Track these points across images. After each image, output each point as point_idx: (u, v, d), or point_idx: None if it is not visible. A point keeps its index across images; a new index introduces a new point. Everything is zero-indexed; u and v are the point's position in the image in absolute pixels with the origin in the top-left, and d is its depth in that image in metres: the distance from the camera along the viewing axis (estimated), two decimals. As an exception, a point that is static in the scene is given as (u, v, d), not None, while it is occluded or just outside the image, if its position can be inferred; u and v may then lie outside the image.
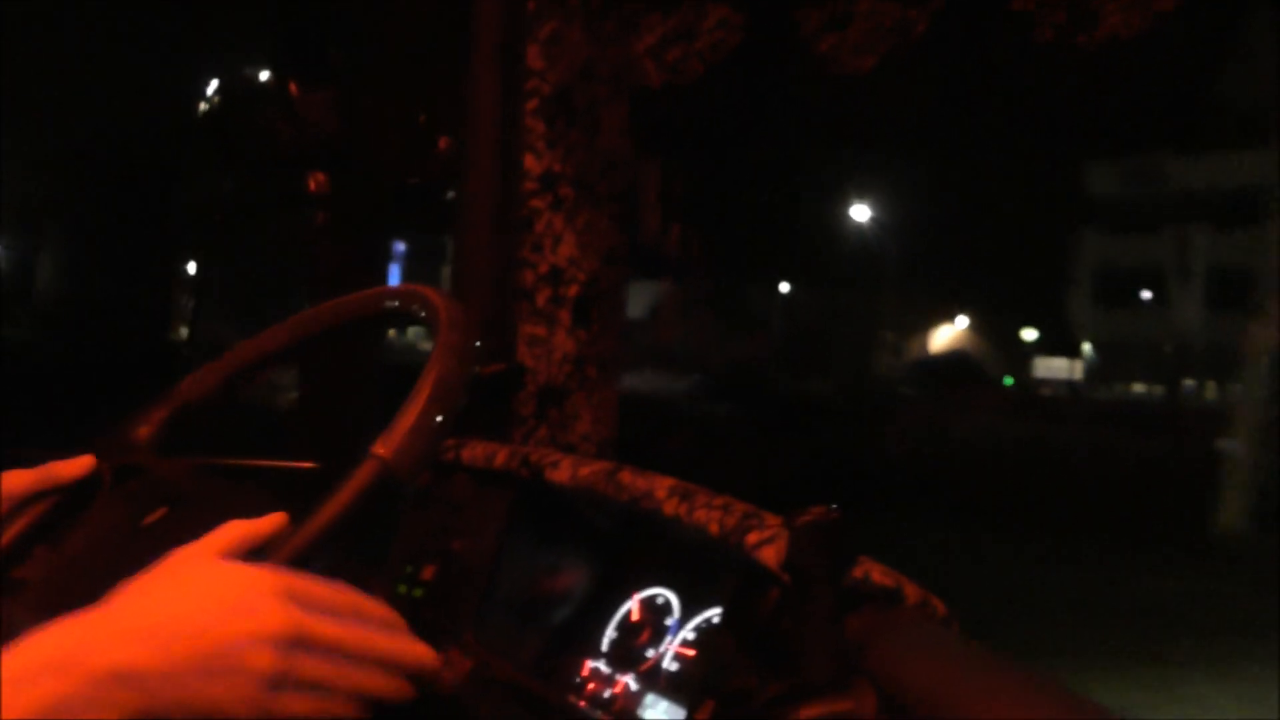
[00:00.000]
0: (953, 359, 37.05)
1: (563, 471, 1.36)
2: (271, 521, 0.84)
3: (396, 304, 1.06)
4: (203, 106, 2.39)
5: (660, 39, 1.93)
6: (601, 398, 1.89)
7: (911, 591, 0.98)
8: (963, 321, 43.88)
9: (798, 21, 1.78)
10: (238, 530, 0.82)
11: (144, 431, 1.11)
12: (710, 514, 1.12)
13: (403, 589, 1.42)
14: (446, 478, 1.50)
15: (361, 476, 0.83)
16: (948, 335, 44.16)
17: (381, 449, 0.84)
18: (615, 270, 1.91)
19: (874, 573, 0.96)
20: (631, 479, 1.27)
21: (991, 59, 1.48)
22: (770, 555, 0.99)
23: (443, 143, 1.99)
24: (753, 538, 1.03)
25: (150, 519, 0.97)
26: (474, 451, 1.49)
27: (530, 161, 1.80)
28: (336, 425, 2.08)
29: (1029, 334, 43.26)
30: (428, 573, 1.41)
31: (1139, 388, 41.90)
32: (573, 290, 1.83)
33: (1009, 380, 39.08)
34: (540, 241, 1.81)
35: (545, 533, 1.45)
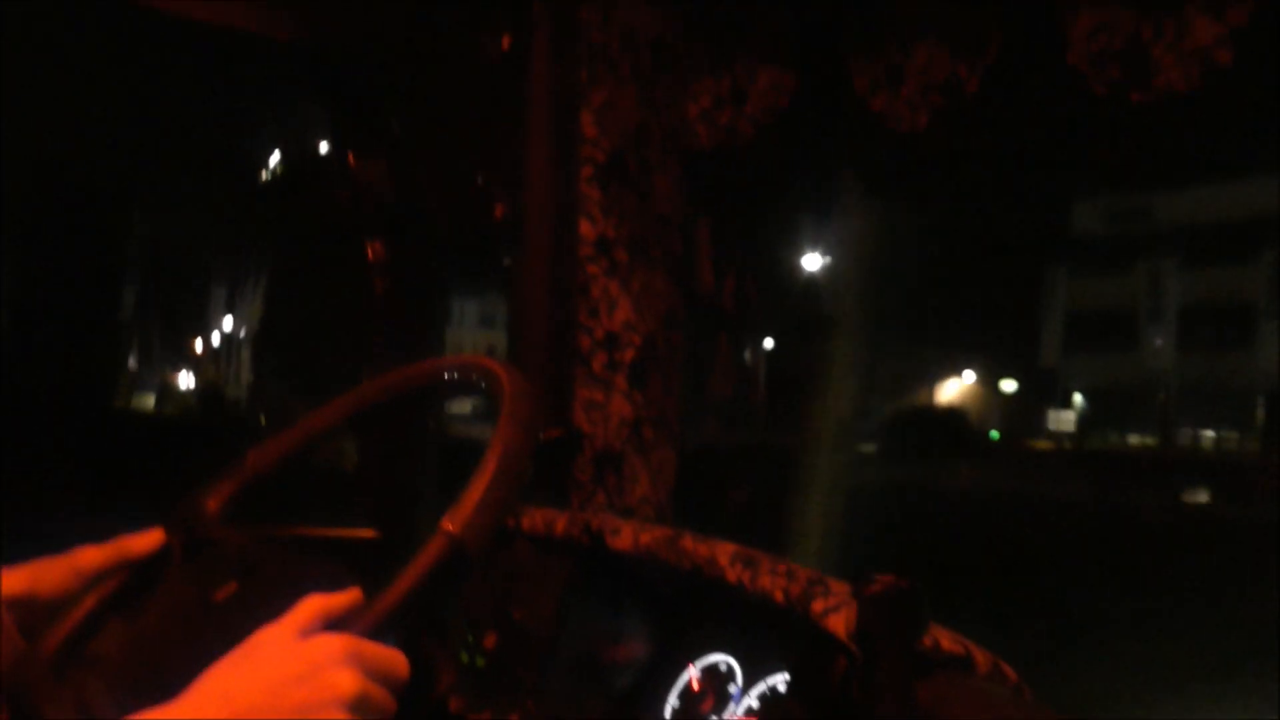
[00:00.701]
0: (929, 414, 35.65)
1: (624, 538, 1.36)
2: (347, 597, 0.85)
3: (458, 375, 1.06)
4: (264, 176, 2.44)
5: (711, 103, 1.94)
6: (660, 459, 1.89)
7: (981, 658, 0.96)
8: (970, 376, 42.84)
9: (850, 80, 1.79)
10: (315, 607, 0.85)
11: (212, 504, 1.12)
12: (775, 580, 1.11)
13: (465, 657, 1.42)
14: (507, 545, 1.50)
15: (432, 552, 0.84)
16: (954, 389, 43.22)
17: (451, 524, 0.84)
18: (671, 332, 1.91)
19: (943, 640, 0.95)
20: (693, 545, 1.26)
21: (1044, 114, 1.47)
22: (838, 624, 0.97)
23: (499, 210, 2.01)
24: (818, 605, 1.02)
25: (222, 594, 0.98)
26: (534, 519, 1.49)
27: (585, 227, 1.82)
28: (394, 492, 2.09)
29: (1008, 385, 41.27)
30: (490, 641, 1.41)
31: (1134, 439, 39.27)
32: (629, 354, 1.83)
33: (995, 435, 37.12)
34: (596, 306, 1.82)
35: (606, 600, 1.44)
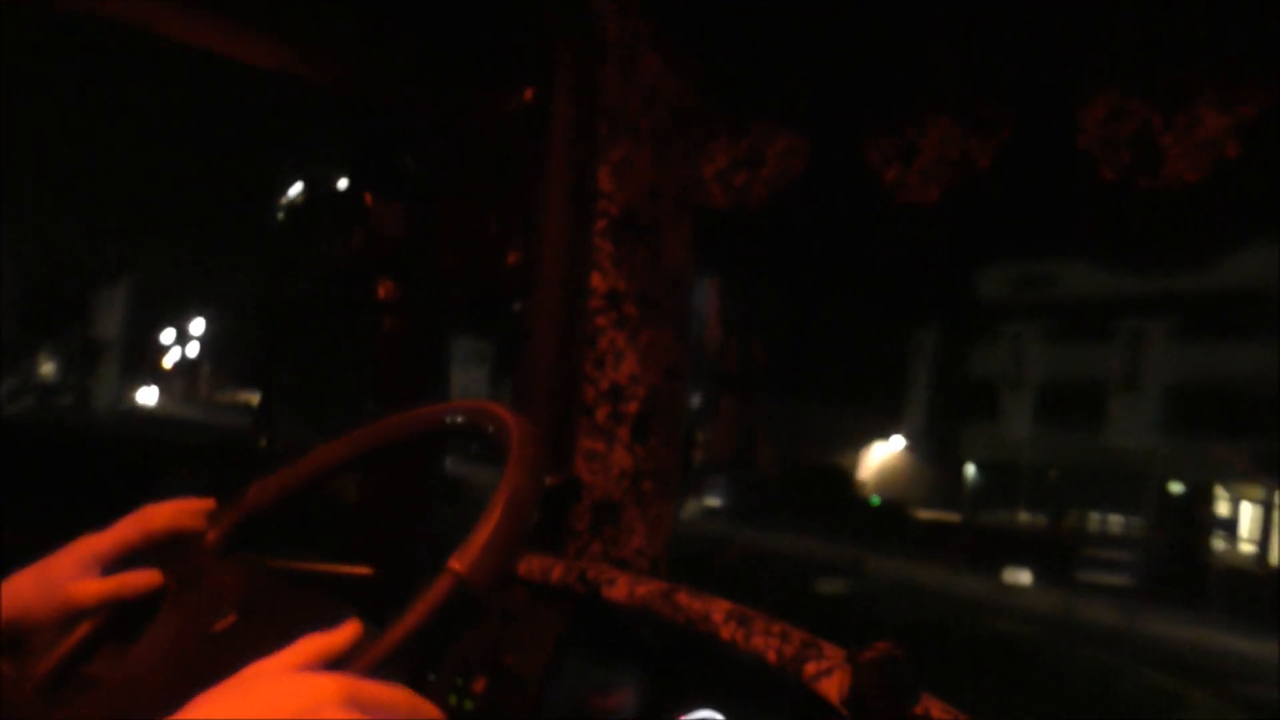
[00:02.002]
0: (808, 474, 34.87)
1: (620, 589, 1.37)
2: (347, 634, 0.85)
3: (463, 420, 1.08)
4: (281, 210, 2.47)
5: (727, 164, 1.98)
6: (657, 512, 1.90)
7: None
8: (899, 441, 41.97)
9: (864, 151, 1.82)
10: (315, 645, 0.83)
11: (211, 536, 1.13)
12: (768, 641, 1.12)
13: (453, 700, 1.42)
14: (502, 590, 1.51)
15: (439, 591, 0.84)
16: (882, 454, 42.50)
17: (458, 564, 0.85)
18: (675, 386, 1.93)
19: (933, 709, 0.95)
20: (689, 600, 1.27)
21: (1050, 194, 1.50)
22: (830, 688, 0.98)
23: (512, 257, 2.04)
24: (811, 668, 1.03)
25: (220, 625, 0.98)
26: (530, 565, 1.50)
27: (596, 279, 1.84)
28: (393, 530, 2.09)
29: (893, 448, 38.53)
30: (479, 685, 1.41)
31: (1024, 516, 37.04)
32: (633, 407, 1.85)
33: (875, 500, 36.18)
34: (603, 358, 1.84)
35: (598, 649, 1.45)
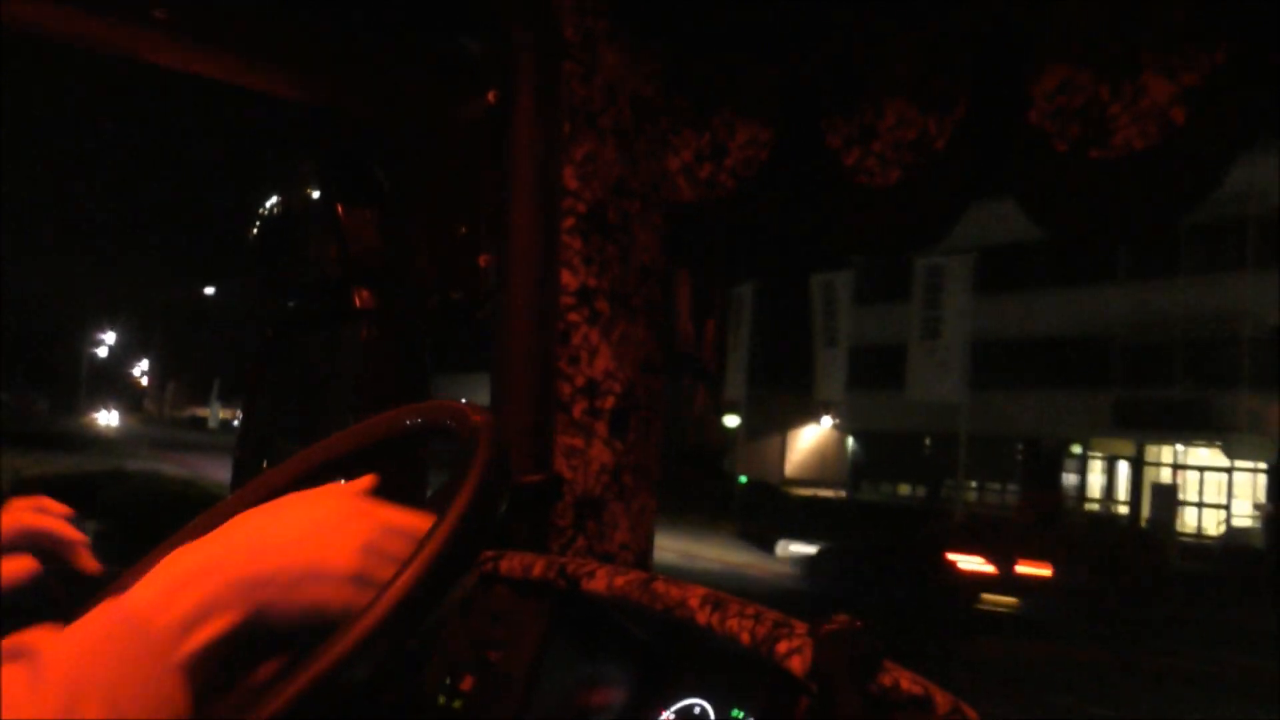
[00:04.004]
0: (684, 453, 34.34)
1: (599, 581, 1.38)
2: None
3: (423, 420, 1.09)
4: (253, 226, 2.48)
5: (692, 157, 1.99)
6: (640, 506, 1.91)
7: (941, 700, 0.98)
8: (828, 421, 41.18)
9: (825, 136, 1.84)
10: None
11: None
12: (742, 623, 1.14)
13: (442, 700, 1.43)
14: (485, 589, 1.53)
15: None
16: (813, 435, 41.68)
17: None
18: (652, 379, 1.95)
19: (903, 680, 0.97)
20: (665, 588, 1.28)
21: (1008, 170, 1.52)
22: (798, 664, 1.00)
23: (483, 259, 2.05)
24: (782, 647, 1.05)
25: None
26: (512, 563, 1.51)
27: (567, 277, 1.86)
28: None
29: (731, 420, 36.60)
30: (466, 684, 1.42)
31: (904, 489, 36.39)
32: (609, 402, 1.86)
33: (743, 479, 34.53)
34: (577, 354, 1.85)
35: (583, 643, 1.46)
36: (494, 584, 1.52)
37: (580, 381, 1.85)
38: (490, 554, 1.54)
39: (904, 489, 36.62)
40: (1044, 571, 17.98)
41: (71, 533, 1.15)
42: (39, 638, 0.73)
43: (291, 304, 2.46)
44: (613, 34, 1.93)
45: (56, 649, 0.71)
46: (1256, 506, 28.67)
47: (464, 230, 2.12)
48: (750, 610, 1.15)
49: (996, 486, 33.85)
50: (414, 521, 0.92)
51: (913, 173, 1.65)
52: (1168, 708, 11.42)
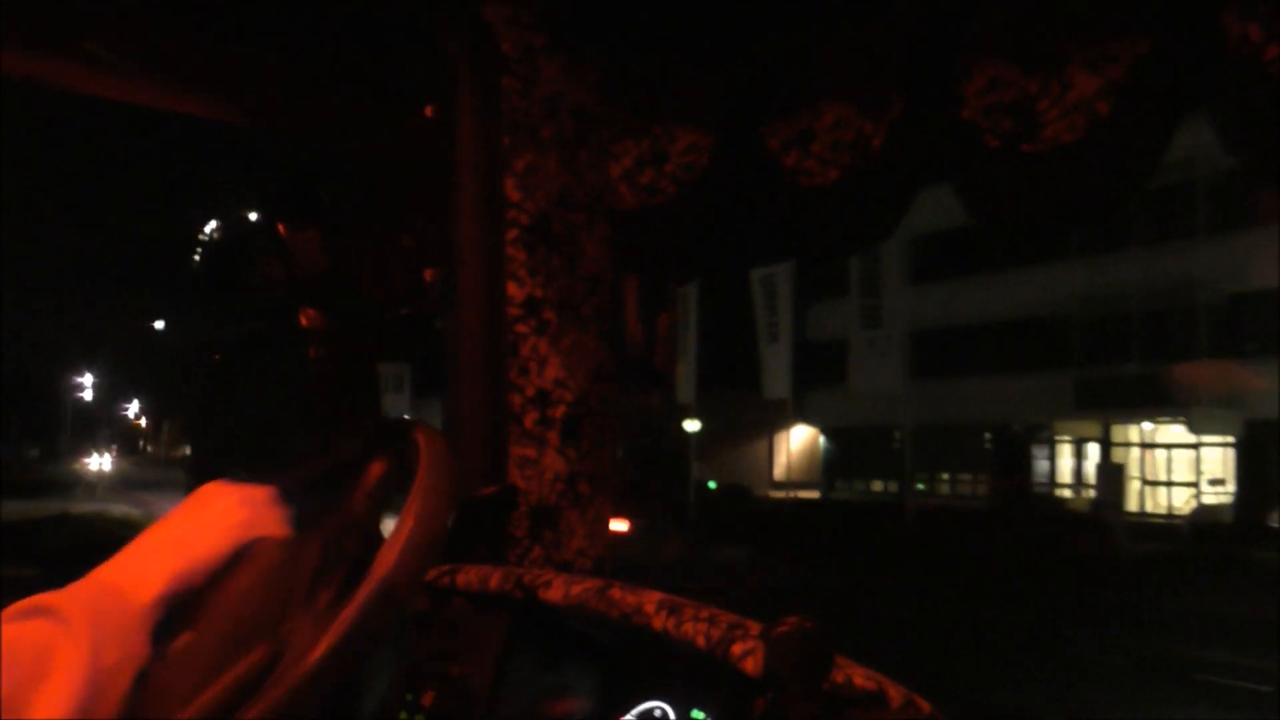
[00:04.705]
0: (651, 456, 33.71)
1: (555, 591, 1.39)
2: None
3: (380, 436, 1.09)
4: (197, 252, 2.46)
5: (634, 164, 2.01)
6: (596, 513, 1.92)
7: (895, 694, 1.00)
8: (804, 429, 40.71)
9: (764, 140, 1.86)
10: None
11: None
12: (697, 626, 1.15)
13: (403, 715, 1.43)
14: (444, 603, 1.53)
15: (363, 599, 0.88)
16: (801, 436, 41.38)
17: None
18: (603, 387, 1.95)
19: (856, 676, 0.98)
20: (621, 595, 1.29)
21: (944, 166, 1.54)
22: (752, 666, 1.01)
23: (429, 274, 2.05)
24: (737, 649, 1.06)
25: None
26: (469, 576, 1.51)
27: (513, 288, 1.86)
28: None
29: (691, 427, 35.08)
30: (427, 699, 1.42)
31: (878, 486, 35.54)
32: (560, 410, 1.87)
33: (712, 485, 34.67)
34: (526, 365, 1.86)
35: (543, 652, 1.46)
36: (452, 597, 1.52)
37: (531, 392, 1.85)
38: (447, 568, 1.53)
39: (877, 485, 36.16)
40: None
41: None
42: (51, 598, 0.85)
43: (238, 328, 2.44)
44: (550, 47, 1.93)
45: (71, 607, 0.85)
46: (1212, 482, 28.20)
47: (409, 245, 2.12)
48: (705, 613, 1.16)
49: (967, 477, 33.43)
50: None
51: (851, 172, 1.67)
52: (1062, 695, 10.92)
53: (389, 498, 1.08)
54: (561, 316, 1.89)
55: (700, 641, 1.12)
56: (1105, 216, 1.45)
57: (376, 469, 1.17)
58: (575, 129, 1.97)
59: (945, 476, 34.23)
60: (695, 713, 1.27)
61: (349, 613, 0.87)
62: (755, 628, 1.08)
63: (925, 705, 1.01)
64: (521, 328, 1.86)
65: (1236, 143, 1.25)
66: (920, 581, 18.12)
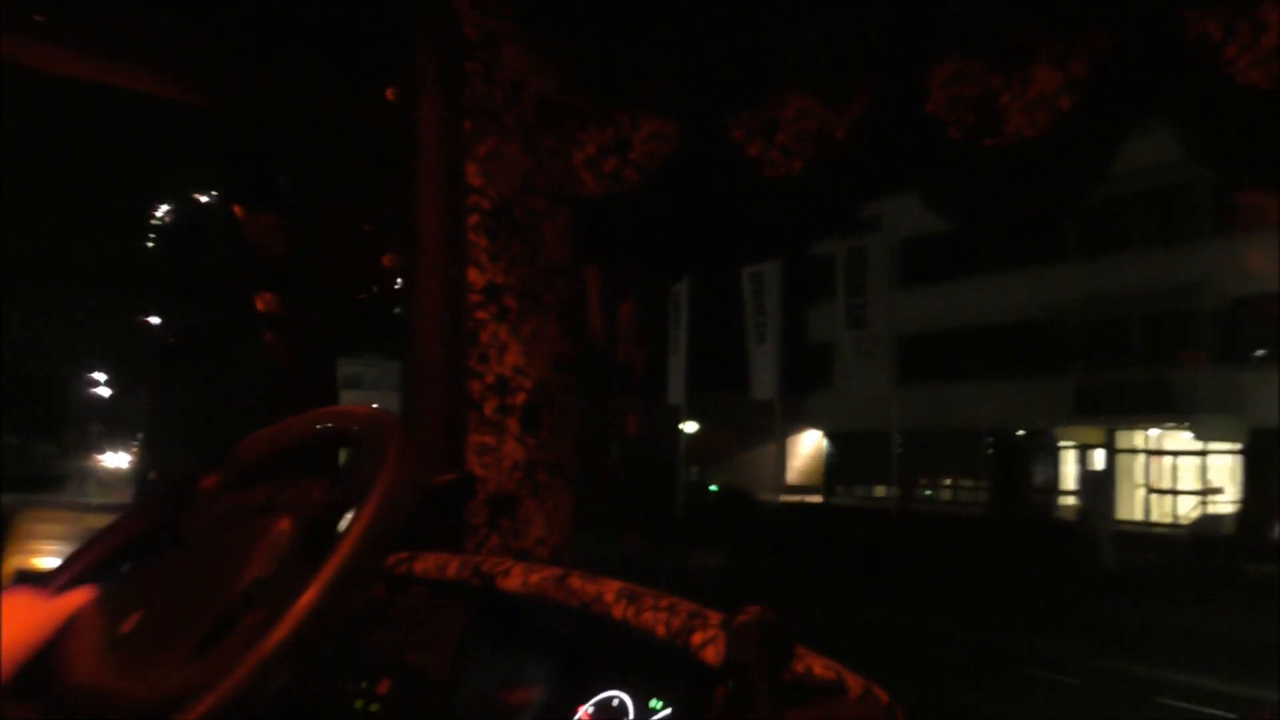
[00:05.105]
0: (649, 460, 32.30)
1: (513, 579, 1.38)
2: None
3: (330, 425, 1.09)
4: (151, 235, 2.43)
5: (597, 151, 2.00)
6: (555, 502, 1.91)
7: (853, 683, 1.00)
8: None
9: (728, 129, 1.85)
10: None
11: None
12: (657, 615, 1.14)
13: (359, 704, 1.42)
14: (400, 591, 1.51)
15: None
16: (812, 440, 40.89)
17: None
18: (563, 376, 1.95)
19: (815, 666, 0.99)
20: (581, 584, 1.28)
21: (907, 159, 1.55)
22: (712, 655, 1.01)
23: (387, 260, 2.03)
24: (697, 638, 1.06)
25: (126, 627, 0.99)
26: (426, 564, 1.50)
27: (474, 275, 1.85)
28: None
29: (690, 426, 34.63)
30: (383, 687, 1.41)
31: (880, 490, 34.09)
32: (520, 398, 1.86)
33: (714, 488, 34.18)
34: (486, 352, 1.84)
35: (501, 641, 1.46)
36: (409, 585, 1.51)
37: (490, 379, 1.84)
38: (404, 555, 1.52)
39: (880, 491, 35.12)
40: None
41: None
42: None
43: (193, 312, 2.42)
44: (514, 32, 1.92)
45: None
46: (1208, 491, 26.89)
47: (369, 231, 2.10)
48: (665, 603, 1.16)
49: (969, 483, 32.55)
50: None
51: (815, 163, 1.67)
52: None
53: (349, 484, 1.07)
54: (522, 304, 1.88)
55: (660, 630, 1.12)
56: (1059, 213, 1.45)
57: (334, 456, 1.16)
58: (538, 115, 1.96)
59: (948, 482, 33.51)
60: (654, 702, 1.27)
61: (307, 598, 0.86)
62: (715, 617, 1.08)
63: (883, 695, 1.01)
64: (482, 314, 1.84)
65: (1198, 147, 1.27)
66: (891, 588, 17.76)
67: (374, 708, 1.41)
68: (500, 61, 1.92)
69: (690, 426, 33.05)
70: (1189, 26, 1.27)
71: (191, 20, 1.98)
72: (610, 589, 1.24)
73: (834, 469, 37.07)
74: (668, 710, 1.21)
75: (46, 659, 1.02)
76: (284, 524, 1.00)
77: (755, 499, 32.50)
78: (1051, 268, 29.11)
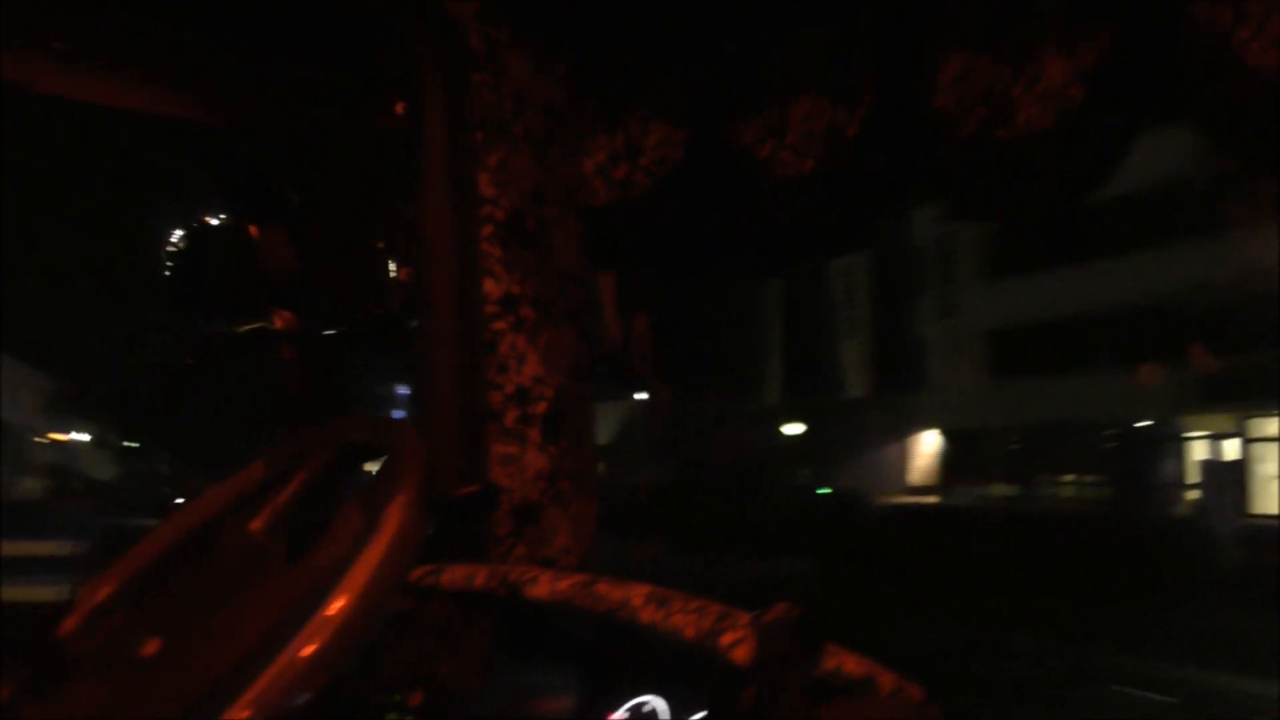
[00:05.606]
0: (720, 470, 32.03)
1: (541, 587, 1.38)
2: None
3: (352, 437, 1.09)
4: (166, 258, 2.43)
5: (606, 158, 2.00)
6: (578, 509, 1.91)
7: (885, 680, 1.00)
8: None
9: (738, 132, 1.85)
10: None
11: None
12: (686, 618, 1.14)
13: (392, 716, 1.42)
14: (428, 603, 1.52)
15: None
16: (925, 440, 39.40)
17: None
18: (581, 384, 1.95)
19: (846, 663, 0.99)
20: (608, 589, 1.29)
21: (918, 156, 1.55)
22: (742, 655, 1.01)
23: (403, 273, 2.04)
24: (727, 639, 1.06)
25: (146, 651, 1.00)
26: (454, 575, 1.50)
27: (490, 285, 1.85)
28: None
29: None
30: (415, 699, 1.41)
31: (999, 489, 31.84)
32: (540, 407, 1.86)
33: (826, 490, 31.61)
34: (505, 362, 1.85)
35: (530, 649, 1.46)
36: (436, 597, 1.51)
37: (510, 389, 1.85)
38: (431, 567, 1.53)
39: (998, 489, 32.10)
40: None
41: None
42: None
43: (208, 330, 2.42)
44: (518, 43, 1.93)
45: None
46: None
47: (380, 245, 2.11)
48: (694, 605, 1.16)
49: (1091, 479, 31.01)
50: None
51: (826, 162, 1.67)
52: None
53: (364, 497, 1.07)
54: (538, 313, 1.89)
55: (690, 632, 1.12)
56: (1072, 206, 1.44)
57: (349, 470, 1.17)
58: (546, 124, 1.96)
59: (1069, 478, 31.11)
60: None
61: (335, 611, 0.86)
62: (744, 617, 1.08)
63: (915, 692, 1.01)
64: (500, 325, 1.85)
65: (1217, 132, 1.26)
66: (959, 594, 16.21)
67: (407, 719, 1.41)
68: (507, 72, 1.92)
69: (794, 428, 31.87)
70: (1198, 12, 1.26)
71: (195, 37, 1.99)
72: (639, 593, 1.24)
73: (949, 467, 34.75)
74: (703, 713, 1.21)
75: (64, 682, 1.03)
76: (313, 543, 1.01)
77: (869, 501, 31.02)
78: (1153, 252, 27.01)
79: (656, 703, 1.32)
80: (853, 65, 1.67)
